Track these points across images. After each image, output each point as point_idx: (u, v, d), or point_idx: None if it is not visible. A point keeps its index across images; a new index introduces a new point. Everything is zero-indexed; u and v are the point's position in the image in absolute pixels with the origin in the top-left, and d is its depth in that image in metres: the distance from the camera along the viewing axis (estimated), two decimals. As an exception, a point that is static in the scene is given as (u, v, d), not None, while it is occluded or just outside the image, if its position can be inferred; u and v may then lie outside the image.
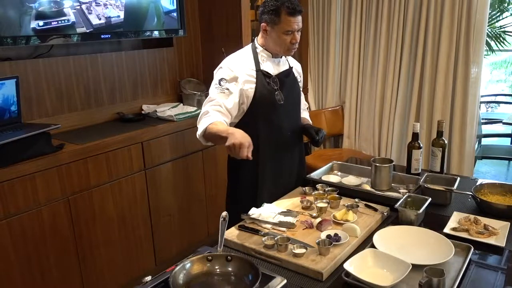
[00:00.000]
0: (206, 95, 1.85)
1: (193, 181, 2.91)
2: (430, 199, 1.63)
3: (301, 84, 2.04)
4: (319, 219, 1.57)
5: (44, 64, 2.51)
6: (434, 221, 1.60)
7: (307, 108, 2.21)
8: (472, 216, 1.57)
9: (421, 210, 1.56)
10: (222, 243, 1.31)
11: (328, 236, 1.44)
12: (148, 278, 1.22)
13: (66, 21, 2.40)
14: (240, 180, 1.91)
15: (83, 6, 2.47)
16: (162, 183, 2.70)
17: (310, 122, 2.10)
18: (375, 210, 1.66)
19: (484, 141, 4.63)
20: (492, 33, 5.74)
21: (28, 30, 2.26)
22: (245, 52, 1.88)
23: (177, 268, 1.21)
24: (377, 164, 1.86)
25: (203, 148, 2.87)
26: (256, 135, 1.77)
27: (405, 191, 1.82)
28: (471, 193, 1.70)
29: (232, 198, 1.96)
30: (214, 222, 3.03)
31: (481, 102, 4.67)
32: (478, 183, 1.81)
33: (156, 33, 2.92)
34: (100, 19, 2.56)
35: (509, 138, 4.96)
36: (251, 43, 1.92)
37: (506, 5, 5.89)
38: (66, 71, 2.62)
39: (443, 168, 2.00)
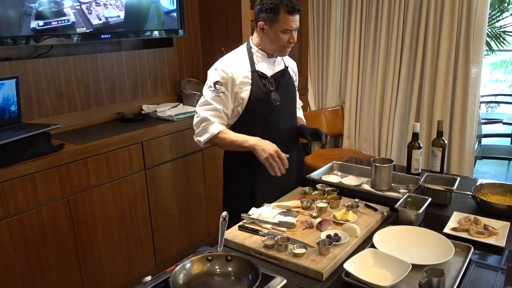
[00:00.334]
0: (206, 95, 1.84)
1: (193, 181, 2.91)
2: (430, 199, 1.63)
3: (296, 83, 2.02)
4: (319, 219, 1.57)
5: (44, 64, 2.51)
6: (434, 221, 1.60)
7: (302, 107, 2.18)
8: (472, 216, 1.57)
9: (421, 210, 1.56)
10: (222, 243, 1.31)
11: (328, 236, 1.44)
12: (148, 278, 1.22)
13: (66, 21, 2.40)
14: (238, 182, 1.89)
15: (83, 6, 2.47)
16: (162, 183, 2.70)
17: (304, 121, 2.08)
18: (375, 210, 1.66)
19: (484, 141, 4.63)
20: (492, 33, 5.74)
21: (28, 30, 2.25)
22: (240, 53, 1.85)
23: (177, 268, 1.21)
24: (377, 164, 1.86)
25: (203, 148, 2.87)
26: (251, 136, 1.76)
27: (405, 191, 1.82)
28: (471, 193, 1.70)
29: (230, 199, 1.95)
30: (214, 222, 3.03)
31: (481, 102, 4.67)
32: (478, 183, 1.81)
33: (156, 33, 2.92)
34: (100, 19, 2.56)
35: (509, 138, 4.96)
36: (245, 43, 1.89)
37: (506, 5, 5.89)
38: (66, 71, 2.62)
39: (443, 168, 2.00)
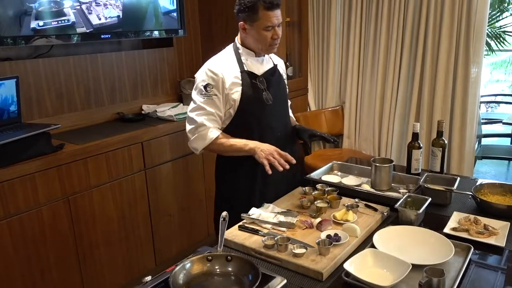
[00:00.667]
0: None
1: (193, 181, 2.91)
2: (430, 199, 1.63)
3: (286, 82, 1.99)
4: (319, 219, 1.57)
5: (44, 64, 2.52)
6: (434, 221, 1.60)
7: (291, 105, 2.12)
8: (472, 216, 1.57)
9: (421, 210, 1.55)
10: (222, 243, 1.31)
11: (328, 236, 1.44)
12: (148, 278, 1.22)
13: (66, 21, 2.40)
14: (231, 185, 1.86)
15: (83, 6, 2.47)
16: (162, 183, 2.70)
17: (294, 119, 2.06)
18: (375, 210, 1.66)
19: (484, 141, 4.63)
20: (492, 33, 5.74)
21: (28, 30, 2.26)
22: (227, 54, 1.81)
23: (177, 268, 1.21)
24: (377, 164, 1.86)
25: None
26: (245, 138, 1.74)
27: (405, 191, 1.82)
28: (471, 193, 1.70)
29: (223, 202, 1.90)
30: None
31: (481, 102, 4.67)
32: (478, 183, 1.81)
33: (156, 33, 2.92)
34: (100, 19, 2.56)
35: (509, 138, 4.96)
36: (231, 44, 1.85)
37: (506, 5, 5.89)
38: (66, 71, 2.62)
39: (443, 168, 2.00)
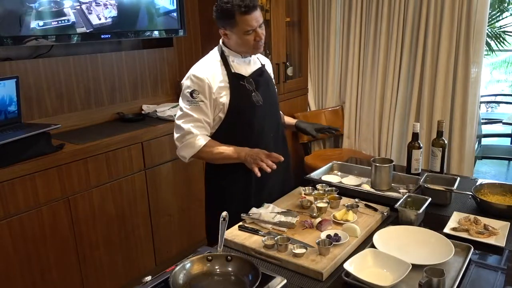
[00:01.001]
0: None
1: (193, 181, 2.91)
2: (430, 199, 1.63)
3: (273, 81, 1.95)
4: (319, 219, 1.57)
5: (44, 64, 2.52)
6: (434, 221, 1.60)
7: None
8: (472, 216, 1.57)
9: (421, 210, 1.56)
10: (222, 243, 1.31)
11: (328, 236, 1.44)
12: (148, 278, 1.22)
13: (66, 21, 2.40)
14: (223, 190, 1.82)
15: (83, 6, 2.47)
16: (162, 183, 2.70)
17: (286, 117, 2.05)
18: (375, 210, 1.66)
19: (484, 141, 4.63)
20: (492, 33, 5.74)
21: (28, 30, 2.25)
22: (212, 57, 1.78)
23: (177, 268, 1.21)
24: (377, 164, 1.86)
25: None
26: (236, 142, 1.71)
27: (405, 191, 1.82)
28: (471, 193, 1.70)
29: (214, 207, 1.85)
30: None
31: (481, 102, 4.67)
32: (478, 183, 1.81)
33: (156, 33, 2.91)
34: (100, 19, 2.56)
35: (509, 138, 4.96)
36: (216, 47, 1.82)
37: (506, 5, 5.89)
38: (66, 71, 2.62)
39: (443, 168, 2.00)
